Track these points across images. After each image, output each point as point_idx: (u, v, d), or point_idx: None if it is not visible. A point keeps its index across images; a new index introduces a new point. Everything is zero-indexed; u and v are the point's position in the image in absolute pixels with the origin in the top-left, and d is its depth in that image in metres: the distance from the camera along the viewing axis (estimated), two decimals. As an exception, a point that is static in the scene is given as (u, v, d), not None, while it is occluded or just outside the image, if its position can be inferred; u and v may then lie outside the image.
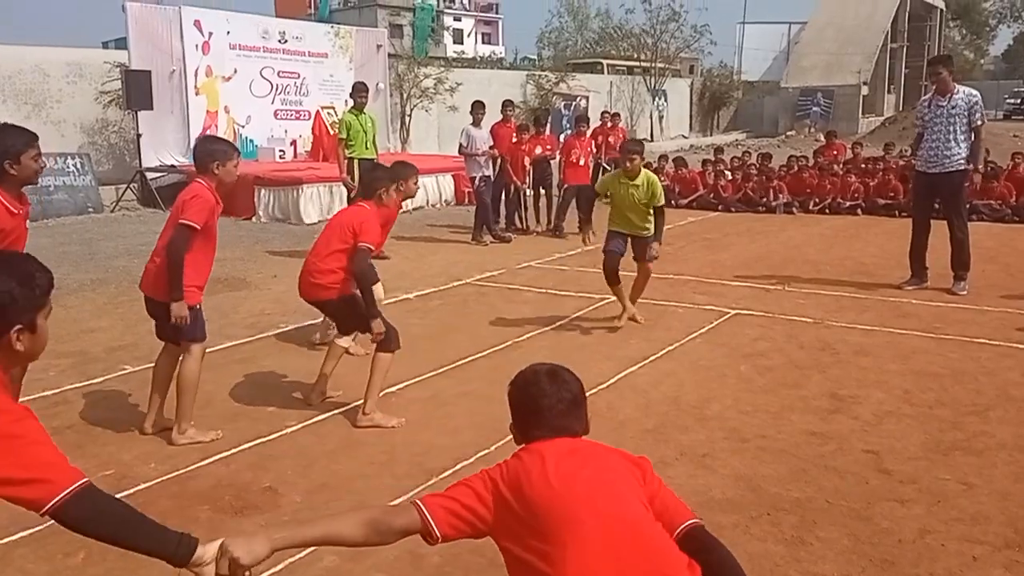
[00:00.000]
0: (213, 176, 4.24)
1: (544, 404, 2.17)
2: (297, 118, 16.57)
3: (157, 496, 3.74)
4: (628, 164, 6.19)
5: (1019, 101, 44.03)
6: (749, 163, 14.54)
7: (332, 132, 15.35)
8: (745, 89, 39.10)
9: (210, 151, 4.28)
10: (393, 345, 4.66)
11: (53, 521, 1.85)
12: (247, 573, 1.96)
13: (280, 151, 15.73)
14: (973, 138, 7.45)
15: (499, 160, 11.16)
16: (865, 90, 35.68)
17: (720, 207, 13.38)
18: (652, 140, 29.80)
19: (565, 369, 2.27)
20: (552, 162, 11.76)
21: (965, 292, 7.46)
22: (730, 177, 14.08)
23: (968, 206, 9.83)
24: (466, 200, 13.75)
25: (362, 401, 4.63)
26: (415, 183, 5.18)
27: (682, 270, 8.57)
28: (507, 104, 11.67)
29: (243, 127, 15.49)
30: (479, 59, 38.10)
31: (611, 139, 13.47)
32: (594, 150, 13.46)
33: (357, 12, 47.07)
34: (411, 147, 20.80)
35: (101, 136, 15.22)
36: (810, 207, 13.00)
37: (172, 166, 14.07)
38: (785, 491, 3.76)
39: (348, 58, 17.45)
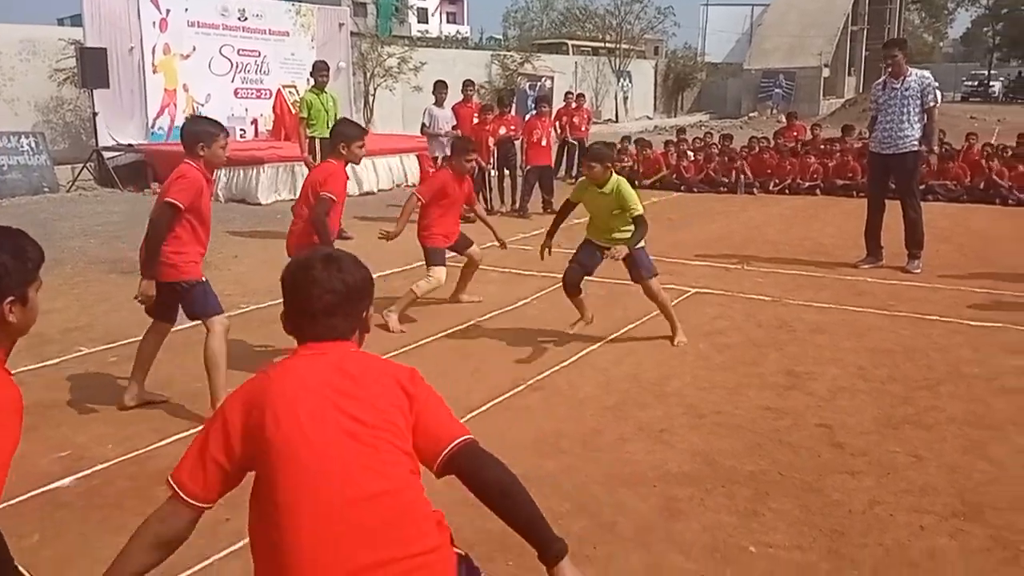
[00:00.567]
0: (199, 157, 4.29)
1: (312, 294, 1.94)
2: (258, 97, 16.33)
3: (115, 476, 3.71)
4: (585, 172, 5.54)
5: (976, 84, 44.92)
6: (711, 144, 14.65)
7: (293, 111, 15.16)
8: (709, 71, 39.37)
9: (195, 132, 4.33)
10: None
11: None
12: None
13: (241, 130, 15.51)
14: (926, 119, 7.59)
15: (462, 140, 11.10)
16: (826, 72, 36.09)
17: (682, 187, 13.47)
18: (617, 121, 29.89)
19: (350, 257, 2.03)
20: (516, 142, 11.73)
21: (919, 271, 7.63)
22: (692, 158, 14.17)
23: (923, 186, 10.04)
24: (430, 180, 13.67)
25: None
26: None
27: (644, 250, 8.63)
28: (468, 84, 11.61)
29: (202, 105, 15.22)
30: (444, 39, 37.79)
31: (575, 119, 13.48)
32: (558, 130, 13.48)
33: (319, -10, 46.34)
34: (375, 127, 20.61)
35: (56, 115, 14.88)
36: (770, 187, 13.15)
37: (129, 145, 13.81)
38: (740, 465, 3.84)
39: (310, 36, 17.20)
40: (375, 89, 21.28)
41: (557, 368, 5.12)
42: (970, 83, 44.89)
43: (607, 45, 33.94)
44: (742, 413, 4.45)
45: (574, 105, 14.51)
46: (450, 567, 1.83)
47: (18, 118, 13.78)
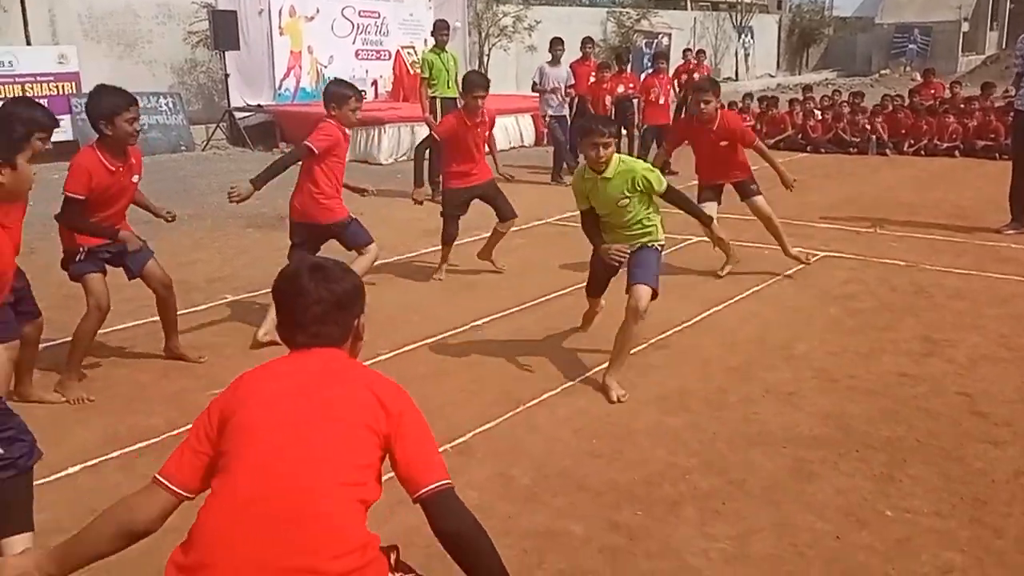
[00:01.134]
0: (332, 116, 4.90)
1: (300, 304, 1.95)
2: (377, 58, 16.63)
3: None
4: (592, 153, 4.08)
5: None
6: (841, 102, 13.99)
7: (412, 72, 15.39)
8: (837, 25, 37.32)
9: (330, 93, 4.97)
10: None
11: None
12: None
13: (362, 91, 15.85)
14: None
15: (575, 99, 11.02)
16: (965, 27, 33.65)
17: (808, 148, 12.97)
18: (737, 79, 28.89)
19: (337, 264, 2.03)
20: (634, 101, 11.55)
21: (1069, 237, 7.13)
22: (820, 117, 13.59)
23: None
24: (544, 140, 13.67)
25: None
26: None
27: (768, 212, 8.39)
28: (587, 41, 11.47)
29: (326, 67, 15.65)
30: (558, -3, 37.27)
31: (696, 76, 13.12)
32: (677, 89, 13.17)
33: (435, -50, 46.49)
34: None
35: (190, 76, 15.58)
36: (904, 148, 12.48)
37: (259, 106, 14.37)
38: (875, 430, 3.74)
39: (427, -3, 17.35)
40: (489, 49, 21.29)
41: (680, 328, 5.09)
42: None
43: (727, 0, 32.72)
44: (875, 378, 4.32)
45: (694, 62, 14.11)
46: None
47: (156, 79, 14.51)
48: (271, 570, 1.67)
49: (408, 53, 16.44)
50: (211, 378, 4.39)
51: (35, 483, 2.70)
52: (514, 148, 13.98)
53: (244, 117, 14.22)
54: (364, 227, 5.20)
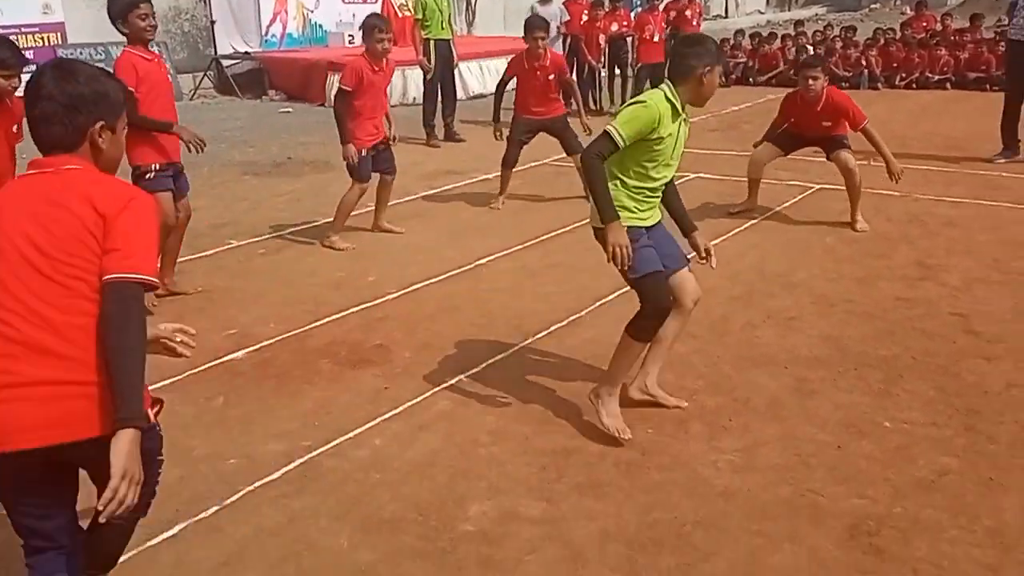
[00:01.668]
0: (366, 49, 5.47)
1: (31, 100, 1.90)
2: (365, 2, 16.37)
3: (279, 352, 4.07)
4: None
5: None
6: (833, 37, 13.92)
7: (400, 15, 15.18)
8: (827, -41, 36.75)
9: (361, 26, 5.62)
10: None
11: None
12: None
13: (350, 36, 15.63)
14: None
15: (568, 39, 10.94)
16: (958, -43, 33.19)
17: (800, 83, 12.94)
18: (726, 16, 28.53)
19: (88, 69, 1.95)
20: (629, 40, 11.46)
21: (1061, 165, 7.23)
22: (813, 52, 13.52)
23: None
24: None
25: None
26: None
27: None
28: (579, -22, 11.34)
29: (312, 12, 15.43)
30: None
31: (687, 12, 13.00)
32: (669, 25, 13.04)
33: None
34: (476, 30, 20.42)
35: (175, 24, 15.32)
36: (896, 82, 12.49)
37: (246, 53, 14.19)
38: (872, 350, 3.89)
39: (414, -63, 17.02)
40: (478, -10, 20.95)
41: (681, 260, 5.21)
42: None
43: (716, -65, 32.10)
44: (872, 302, 4.46)
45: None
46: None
47: (142, 29, 14.33)
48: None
49: (396, -4, 16.19)
50: (224, 321, 4.49)
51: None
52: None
53: (231, 65, 14.05)
54: (365, 166, 5.58)
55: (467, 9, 20.75)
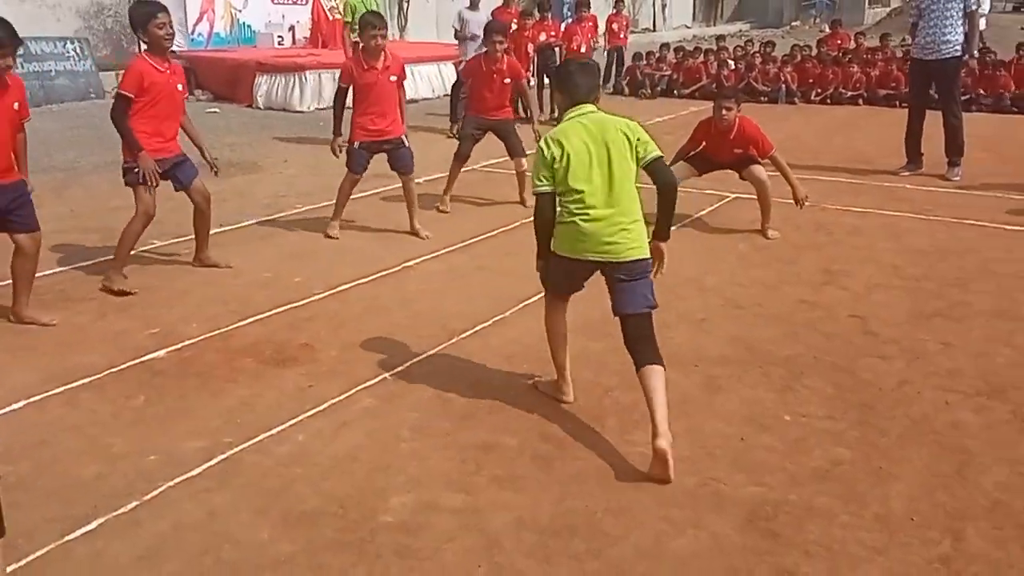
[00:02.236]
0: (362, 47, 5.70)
1: None
2: (295, 3, 16.24)
3: (203, 351, 4.07)
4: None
5: (1030, -8, 42.86)
6: (753, 52, 14.44)
7: (330, 18, 15.13)
8: (750, -23, 37.92)
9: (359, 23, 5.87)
10: None
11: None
12: None
13: (279, 36, 15.51)
14: (968, 24, 7.51)
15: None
16: (873, -21, 34.66)
17: (722, 97, 13.37)
18: (654, 30, 29.18)
19: None
20: (556, 50, 11.68)
21: (958, 178, 7.69)
22: (733, 67, 14.02)
23: (966, 96, 9.93)
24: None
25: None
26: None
27: (684, 157, 8.73)
28: (508, -13, 11.51)
29: (240, 12, 15.24)
30: (477, -57, 36.68)
31: (614, 26, 13.32)
32: (606, 38, 13.29)
33: None
34: (408, 35, 20.45)
35: (97, 20, 14.95)
36: (812, 97, 13.03)
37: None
38: (776, 349, 4.11)
39: (345, -60, 16.95)
40: (409, -4, 20.98)
41: (602, 264, 5.38)
42: (1024, -9, 42.87)
43: (645, -50, 32.82)
44: (779, 306, 4.70)
45: (613, 11, 14.32)
46: None
47: (60, 24, 13.87)
48: None
49: (326, -1, 16.10)
50: (147, 320, 4.46)
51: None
52: (438, 98, 13.96)
53: (157, 63, 13.78)
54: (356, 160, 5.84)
55: (399, 14, 20.76)
